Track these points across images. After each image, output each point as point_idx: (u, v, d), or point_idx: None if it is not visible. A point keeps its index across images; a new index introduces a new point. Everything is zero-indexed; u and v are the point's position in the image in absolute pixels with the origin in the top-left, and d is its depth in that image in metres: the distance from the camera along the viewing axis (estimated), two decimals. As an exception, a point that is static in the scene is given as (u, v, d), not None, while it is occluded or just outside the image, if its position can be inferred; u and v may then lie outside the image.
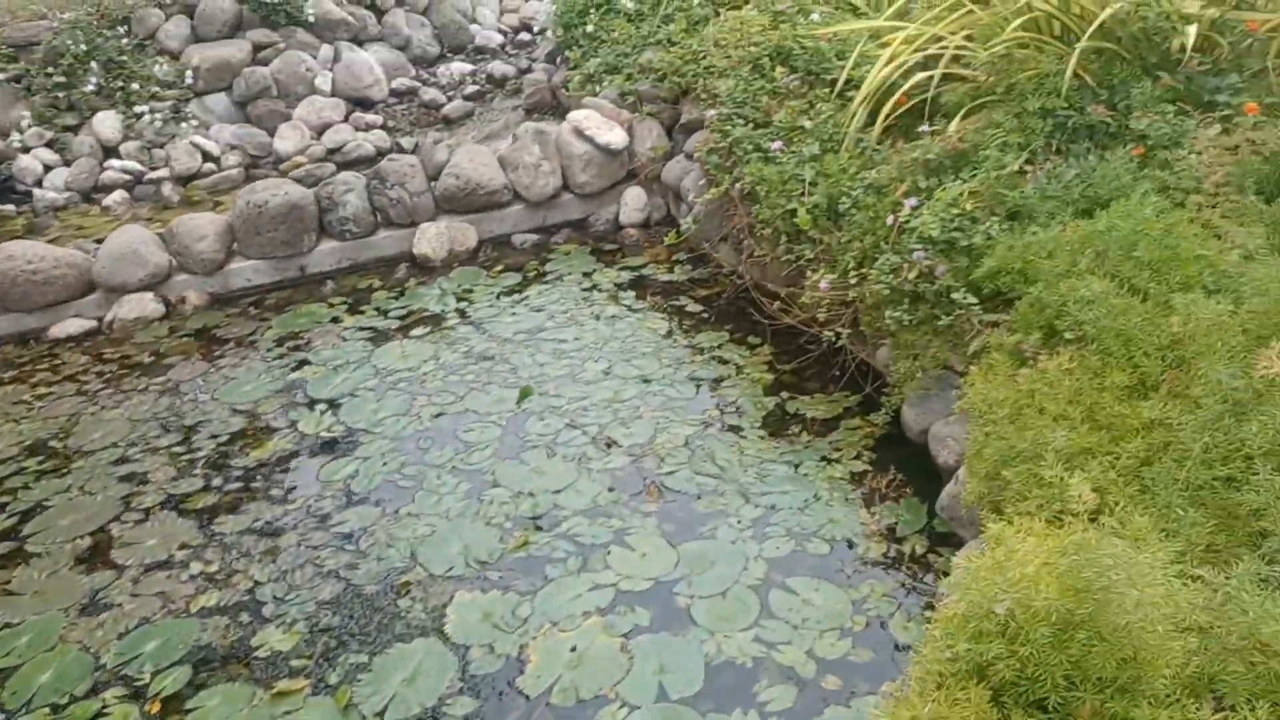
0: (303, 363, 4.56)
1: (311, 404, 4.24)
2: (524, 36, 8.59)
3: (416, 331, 4.75)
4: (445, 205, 5.53)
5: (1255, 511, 2.05)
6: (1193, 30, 3.52)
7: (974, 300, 3.28)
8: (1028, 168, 3.69)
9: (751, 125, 4.72)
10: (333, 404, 4.22)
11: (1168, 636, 1.80)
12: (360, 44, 7.89)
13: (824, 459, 3.66)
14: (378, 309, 5.00)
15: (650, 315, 4.74)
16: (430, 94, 7.59)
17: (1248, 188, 3.11)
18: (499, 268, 5.34)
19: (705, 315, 4.72)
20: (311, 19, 7.60)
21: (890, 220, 3.64)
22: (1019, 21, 3.89)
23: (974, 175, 3.67)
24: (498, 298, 5.00)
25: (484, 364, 4.41)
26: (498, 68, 7.92)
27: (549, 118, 6.76)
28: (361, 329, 4.82)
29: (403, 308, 4.99)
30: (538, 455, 3.79)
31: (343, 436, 4.01)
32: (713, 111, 4.87)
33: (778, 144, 4.44)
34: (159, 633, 3.10)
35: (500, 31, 8.66)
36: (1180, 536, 2.14)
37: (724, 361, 4.32)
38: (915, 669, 2.01)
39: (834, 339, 3.96)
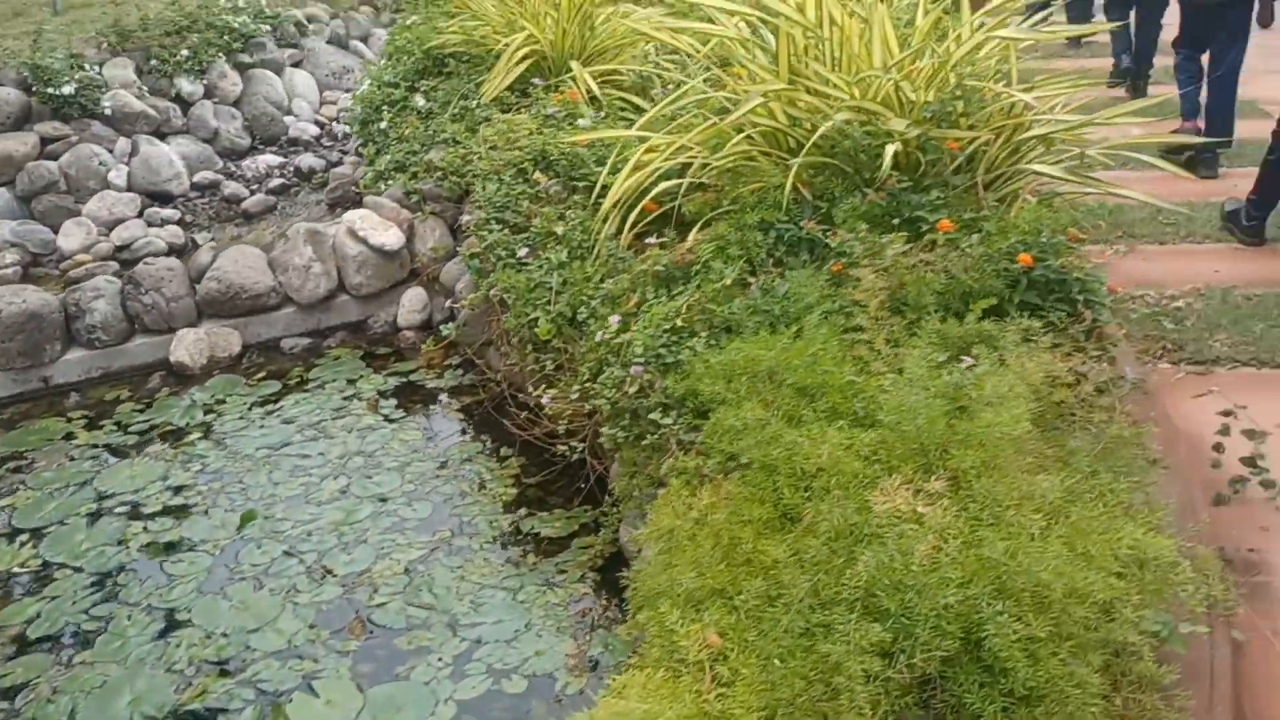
0: (18, 486, 4.22)
1: (13, 534, 3.90)
2: (340, 129, 8.48)
3: (153, 449, 4.47)
4: (208, 309, 5.30)
5: (836, 666, 1.98)
6: (890, 149, 3.62)
7: (670, 419, 3.22)
8: (751, 280, 3.70)
9: (510, 230, 4.67)
10: (37, 534, 3.90)
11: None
12: (163, 137, 7.64)
13: (546, 583, 3.52)
14: (118, 423, 4.69)
15: (406, 426, 4.58)
16: (233, 188, 7.37)
17: (927, 304, 3.15)
18: (261, 375, 5.11)
19: (463, 426, 4.58)
20: (108, 111, 7.33)
21: (599, 336, 3.59)
22: (740, 137, 3.95)
23: (698, 287, 3.66)
24: (250, 409, 4.76)
25: (213, 485, 4.16)
26: (307, 161, 7.76)
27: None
28: (94, 446, 4.51)
29: (146, 421, 4.70)
30: (244, 589, 3.54)
31: (38, 572, 3.69)
32: (468, 216, 4.80)
33: (525, 250, 4.39)
34: None
35: (317, 123, 8.53)
36: (782, 688, 2.06)
37: (470, 476, 4.17)
38: None
39: (570, 453, 3.87)
